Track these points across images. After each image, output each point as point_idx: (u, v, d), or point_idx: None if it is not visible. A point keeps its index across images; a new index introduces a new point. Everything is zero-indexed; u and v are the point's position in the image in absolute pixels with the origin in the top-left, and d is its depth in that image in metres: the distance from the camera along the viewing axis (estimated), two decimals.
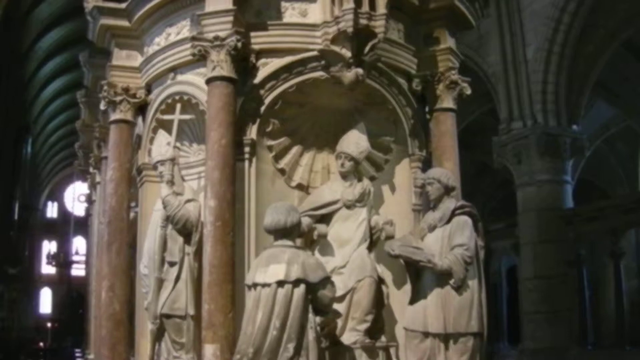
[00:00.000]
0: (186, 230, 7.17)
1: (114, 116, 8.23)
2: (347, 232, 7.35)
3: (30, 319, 60.63)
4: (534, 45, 18.81)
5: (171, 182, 7.23)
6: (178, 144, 7.61)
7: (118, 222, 7.99)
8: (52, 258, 53.70)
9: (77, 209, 73.47)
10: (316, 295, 6.05)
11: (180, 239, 7.19)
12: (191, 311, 7.12)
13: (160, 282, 7.17)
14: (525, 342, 18.82)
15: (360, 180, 7.48)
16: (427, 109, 8.23)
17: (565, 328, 18.02)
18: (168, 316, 7.13)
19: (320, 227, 7.29)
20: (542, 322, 18.07)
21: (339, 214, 7.38)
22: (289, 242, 6.18)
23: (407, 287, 7.19)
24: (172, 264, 7.17)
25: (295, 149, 7.66)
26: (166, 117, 7.66)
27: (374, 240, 7.45)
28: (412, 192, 7.71)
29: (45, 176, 67.30)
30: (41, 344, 24.60)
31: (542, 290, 18.19)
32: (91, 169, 12.68)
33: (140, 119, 8.36)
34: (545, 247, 18.36)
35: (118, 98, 8.16)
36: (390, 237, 7.31)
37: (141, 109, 8.31)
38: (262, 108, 7.30)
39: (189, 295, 7.12)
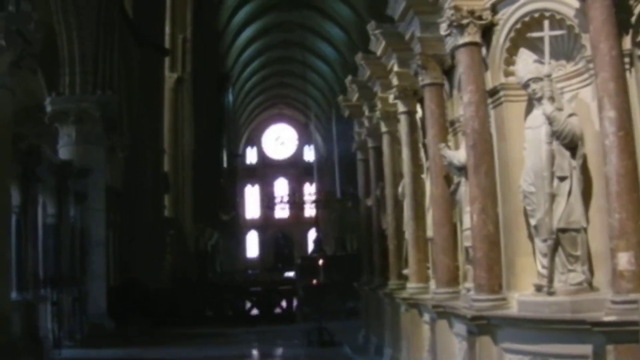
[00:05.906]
0: (572, 144, 7.27)
1: (463, 39, 8.34)
2: None
3: (241, 263, 63.32)
4: None
5: (552, 99, 7.35)
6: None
7: (483, 144, 8.16)
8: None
9: (276, 152, 75.73)
10: None
11: (567, 153, 7.28)
12: (584, 223, 7.27)
13: (551, 198, 7.29)
14: None
15: None
16: None
17: None
18: (564, 230, 7.27)
19: None
20: None
21: None
22: None
23: None
24: (562, 179, 7.28)
25: None
26: (535, 34, 7.72)
27: None
28: None
29: (243, 122, 69.42)
30: (314, 281, 25.77)
31: None
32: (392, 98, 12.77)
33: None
34: None
35: (464, 21, 8.27)
36: None
37: (483, 31, 8.41)
38: (632, 18, 7.15)
39: (580, 208, 7.29)
